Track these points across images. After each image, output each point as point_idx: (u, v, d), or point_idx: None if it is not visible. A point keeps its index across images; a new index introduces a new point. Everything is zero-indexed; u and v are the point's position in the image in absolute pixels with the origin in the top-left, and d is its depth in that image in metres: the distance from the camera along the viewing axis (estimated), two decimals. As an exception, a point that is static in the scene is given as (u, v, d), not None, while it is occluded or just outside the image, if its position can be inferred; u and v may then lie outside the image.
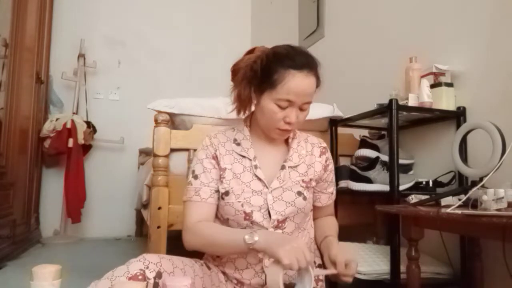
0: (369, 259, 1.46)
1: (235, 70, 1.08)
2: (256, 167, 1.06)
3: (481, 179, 1.22)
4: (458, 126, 1.53)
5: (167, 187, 1.65)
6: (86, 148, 3.41)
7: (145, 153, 3.15)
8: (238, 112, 1.12)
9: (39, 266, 0.74)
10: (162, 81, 3.78)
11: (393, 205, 1.38)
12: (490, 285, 1.39)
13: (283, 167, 1.07)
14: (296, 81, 0.96)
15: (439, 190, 1.49)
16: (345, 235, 1.49)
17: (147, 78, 3.78)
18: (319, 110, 1.84)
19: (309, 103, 1.01)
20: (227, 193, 1.04)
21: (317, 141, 1.16)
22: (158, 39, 3.87)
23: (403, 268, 1.34)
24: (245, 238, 0.90)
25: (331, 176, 1.17)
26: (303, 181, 1.08)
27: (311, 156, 1.12)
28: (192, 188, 1.06)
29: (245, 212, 1.02)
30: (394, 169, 1.44)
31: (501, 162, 1.17)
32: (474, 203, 1.11)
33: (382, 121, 1.76)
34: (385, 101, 1.53)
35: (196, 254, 1.10)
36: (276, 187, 1.05)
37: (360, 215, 1.84)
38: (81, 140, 3.19)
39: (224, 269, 1.06)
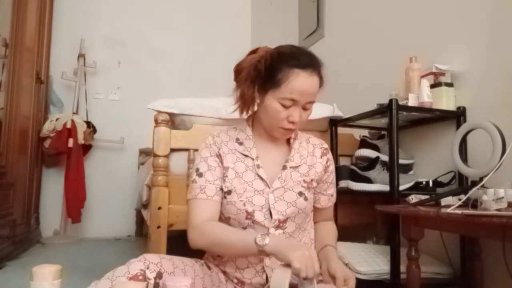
0: (369, 259, 1.47)
1: (238, 70, 1.08)
2: (258, 166, 1.06)
3: (481, 179, 1.22)
4: (458, 126, 1.53)
5: (167, 187, 1.65)
6: (86, 148, 3.41)
7: (145, 153, 3.15)
8: (241, 112, 1.12)
9: (39, 266, 0.74)
10: (162, 81, 3.78)
11: (393, 205, 1.38)
12: (490, 285, 1.39)
13: (284, 167, 1.08)
14: (300, 80, 0.97)
15: (439, 190, 1.49)
16: (345, 235, 1.50)
17: (147, 78, 3.78)
18: (319, 110, 1.84)
19: (312, 102, 1.02)
20: (229, 192, 1.04)
21: (318, 142, 1.16)
22: (158, 39, 3.87)
23: (403, 268, 1.34)
24: (256, 239, 0.89)
25: (331, 177, 1.17)
26: (304, 181, 1.08)
27: (312, 157, 1.12)
28: (197, 185, 1.05)
29: (247, 211, 1.02)
30: (394, 169, 1.44)
31: (501, 162, 1.17)
32: (474, 203, 1.11)
33: (382, 121, 1.76)
34: (385, 101, 1.53)
35: (196, 254, 1.10)
36: (278, 187, 1.05)
37: (360, 215, 1.85)
38: (81, 140, 3.19)
39: (225, 268, 1.06)
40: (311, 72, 0.99)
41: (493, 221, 0.93)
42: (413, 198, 1.35)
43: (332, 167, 1.17)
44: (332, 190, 1.19)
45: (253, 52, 1.09)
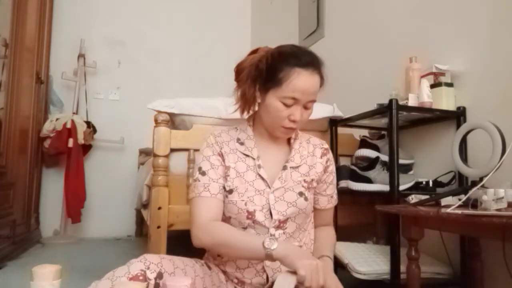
0: (369, 259, 1.47)
1: (239, 70, 1.09)
2: (259, 166, 1.07)
3: (481, 179, 1.22)
4: (458, 126, 1.53)
5: (167, 187, 1.65)
6: (86, 148, 3.41)
7: (145, 153, 3.15)
8: (242, 112, 1.12)
9: (39, 266, 0.74)
10: (162, 81, 3.78)
11: (393, 205, 1.38)
12: (490, 285, 1.39)
13: (284, 168, 1.08)
14: (301, 79, 0.98)
15: (439, 190, 1.49)
16: (345, 235, 1.50)
17: (147, 78, 3.78)
18: (319, 110, 1.84)
19: (313, 101, 1.02)
20: (231, 191, 1.05)
21: (319, 142, 1.16)
22: (158, 39, 3.87)
23: (403, 268, 1.34)
24: (264, 243, 0.88)
25: (331, 178, 1.16)
26: (304, 181, 1.08)
27: (312, 157, 1.12)
28: (200, 184, 1.04)
29: (248, 211, 1.02)
30: (394, 169, 1.44)
31: (501, 162, 1.17)
32: (474, 203, 1.11)
33: (382, 121, 1.76)
34: (385, 101, 1.53)
35: (196, 254, 1.10)
36: (278, 187, 1.05)
37: (360, 215, 1.85)
38: (81, 140, 3.19)
39: (225, 268, 1.06)
40: (312, 71, 0.99)
41: (493, 221, 0.93)
42: (413, 198, 1.35)
43: (332, 168, 1.16)
44: (332, 191, 1.18)
45: (254, 52, 1.10)
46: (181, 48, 3.93)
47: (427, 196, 1.33)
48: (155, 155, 1.65)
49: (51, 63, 3.35)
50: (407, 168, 1.73)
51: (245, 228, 1.04)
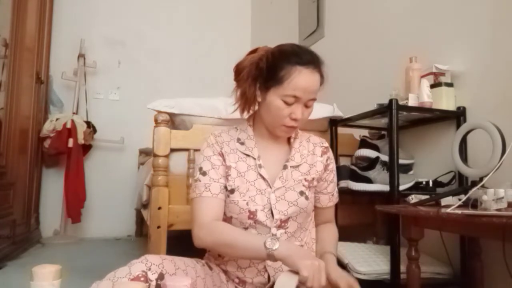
0: (369, 259, 1.47)
1: (239, 70, 1.09)
2: (260, 166, 1.07)
3: (481, 179, 1.22)
4: (458, 126, 1.53)
5: (167, 187, 1.65)
6: (86, 148, 3.41)
7: (145, 153, 3.15)
8: (242, 111, 1.12)
9: (39, 266, 0.74)
10: (162, 81, 3.78)
11: (393, 205, 1.38)
12: (490, 285, 1.39)
13: (285, 167, 1.08)
14: (302, 77, 0.98)
15: (439, 190, 1.49)
16: (345, 235, 1.50)
17: (147, 78, 3.78)
18: (319, 110, 1.84)
19: (314, 100, 1.03)
20: (232, 191, 1.05)
21: (319, 141, 1.16)
22: (158, 39, 3.87)
23: (403, 268, 1.34)
24: (266, 243, 0.88)
25: (331, 176, 1.17)
26: (305, 180, 1.08)
27: (313, 156, 1.12)
28: (201, 184, 1.05)
29: (249, 211, 1.02)
30: (394, 169, 1.44)
31: (501, 162, 1.17)
32: (474, 203, 1.11)
33: (382, 121, 1.76)
34: (385, 101, 1.53)
35: (196, 254, 1.10)
36: (279, 186, 1.05)
37: (360, 215, 1.85)
38: (81, 140, 3.19)
39: (226, 267, 1.06)
40: (313, 69, 1.00)
41: (493, 221, 0.93)
42: (413, 198, 1.35)
43: (332, 166, 1.16)
44: (333, 189, 1.18)
45: (253, 52, 1.10)
46: (181, 48, 3.93)
47: (427, 196, 1.33)
48: (155, 155, 1.65)
49: (51, 63, 3.35)
50: (407, 168, 1.73)
51: (246, 228, 1.04)
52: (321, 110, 1.87)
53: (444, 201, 1.24)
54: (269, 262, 1.02)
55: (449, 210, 1.06)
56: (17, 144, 2.62)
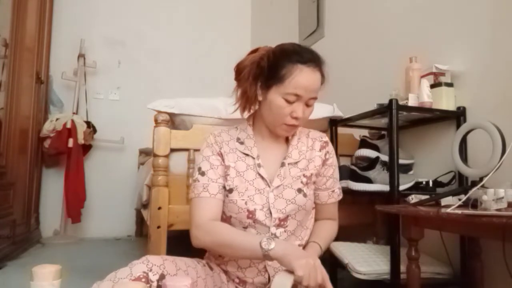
0: (369, 259, 1.46)
1: (239, 69, 1.09)
2: (259, 165, 1.07)
3: (481, 179, 1.22)
4: (458, 126, 1.53)
5: (167, 187, 1.65)
6: (86, 148, 3.41)
7: (145, 153, 3.15)
8: (243, 110, 1.12)
9: (39, 266, 0.74)
10: (162, 81, 3.78)
11: (393, 205, 1.38)
12: (490, 285, 1.39)
13: (282, 164, 1.08)
14: (303, 76, 0.99)
15: (439, 190, 1.49)
16: (345, 235, 1.50)
17: (147, 78, 3.78)
18: (319, 110, 1.83)
19: (315, 98, 1.03)
20: (231, 190, 1.05)
21: (318, 136, 1.15)
22: (158, 39, 3.87)
23: (403, 268, 1.34)
24: (261, 243, 0.89)
25: (331, 171, 1.14)
26: (304, 175, 1.08)
27: (311, 151, 1.12)
28: (200, 184, 1.05)
29: (248, 210, 1.02)
30: (394, 169, 1.44)
31: (501, 162, 1.17)
32: (474, 203, 1.11)
33: (382, 121, 1.76)
34: (385, 101, 1.53)
35: (197, 254, 1.10)
36: (278, 185, 1.05)
37: (360, 215, 1.84)
38: (81, 140, 3.19)
39: (227, 267, 1.06)
40: (314, 68, 1.00)
41: (493, 221, 0.93)
42: (413, 198, 1.35)
43: (331, 161, 1.14)
44: (332, 185, 1.15)
45: (254, 51, 1.10)
46: (181, 48, 3.93)
47: (427, 196, 1.33)
48: (155, 155, 1.65)
49: (51, 63, 3.35)
50: (407, 168, 1.73)
51: (245, 228, 1.04)
52: (321, 110, 1.87)
53: (444, 201, 1.24)
54: (269, 262, 1.02)
55: (449, 210, 1.06)
56: (17, 144, 2.62)
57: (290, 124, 1.03)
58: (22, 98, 2.69)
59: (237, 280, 1.05)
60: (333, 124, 1.90)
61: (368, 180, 1.59)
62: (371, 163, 1.63)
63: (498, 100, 1.44)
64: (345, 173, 1.67)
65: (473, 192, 1.14)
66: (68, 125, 3.15)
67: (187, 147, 1.69)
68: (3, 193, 2.39)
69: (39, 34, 3.01)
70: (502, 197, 1.04)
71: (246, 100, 1.09)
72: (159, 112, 1.69)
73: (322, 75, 1.03)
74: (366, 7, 2.33)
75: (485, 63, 1.51)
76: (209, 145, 1.10)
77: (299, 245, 1.08)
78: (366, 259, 1.47)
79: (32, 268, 0.73)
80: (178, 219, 1.63)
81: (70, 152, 3.17)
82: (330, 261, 1.54)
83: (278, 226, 1.03)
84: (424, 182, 1.53)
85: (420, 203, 1.30)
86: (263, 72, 1.04)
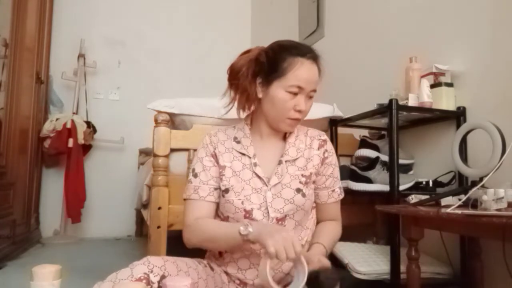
0: (369, 259, 1.46)
1: (235, 69, 1.09)
2: (255, 164, 1.06)
3: (481, 179, 1.22)
4: (458, 126, 1.53)
5: (167, 187, 1.65)
6: (86, 148, 3.41)
7: (145, 153, 3.15)
8: (243, 109, 1.13)
9: (39, 266, 0.74)
10: (162, 81, 3.78)
11: (393, 205, 1.38)
12: (490, 285, 1.39)
13: (280, 162, 1.07)
14: (305, 68, 1.01)
15: (439, 190, 1.49)
16: (345, 235, 1.49)
17: (147, 78, 3.78)
18: (319, 110, 1.84)
19: (315, 91, 1.05)
20: (227, 190, 1.05)
21: (316, 134, 1.15)
22: (158, 39, 3.86)
23: (403, 268, 1.34)
24: (240, 229, 0.91)
25: (330, 170, 1.13)
26: (302, 175, 1.07)
27: (310, 150, 1.11)
28: (191, 186, 1.08)
29: (245, 210, 1.02)
30: (394, 169, 1.44)
31: (501, 162, 1.17)
32: (474, 203, 1.11)
33: (382, 121, 1.76)
34: (385, 101, 1.53)
35: (197, 254, 1.10)
36: (275, 183, 1.04)
37: (360, 215, 1.84)
38: (81, 140, 3.19)
39: (227, 269, 1.06)
40: (313, 61, 1.03)
41: (493, 221, 0.93)
42: (413, 198, 1.35)
43: (331, 159, 1.13)
44: (332, 184, 1.14)
45: (246, 52, 1.11)
46: (181, 48, 3.92)
47: (427, 196, 1.33)
48: (155, 155, 1.65)
49: (51, 63, 3.35)
50: (407, 168, 1.73)
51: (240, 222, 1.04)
52: (321, 110, 1.86)
53: (444, 201, 1.24)
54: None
55: (449, 210, 1.06)
56: (17, 144, 2.62)
57: (293, 118, 1.04)
58: (22, 98, 2.69)
59: (237, 281, 1.05)
60: (333, 124, 1.90)
61: (368, 180, 1.59)
62: (371, 163, 1.63)
63: (498, 100, 1.44)
64: (345, 173, 1.67)
65: (473, 192, 1.14)
66: (68, 125, 3.15)
67: (187, 147, 1.69)
68: (3, 193, 2.39)
69: (39, 34, 3.01)
70: (502, 197, 1.04)
71: (247, 98, 1.09)
72: (159, 112, 1.69)
73: (319, 69, 1.06)
74: (366, 7, 2.33)
75: (485, 63, 1.51)
76: (204, 146, 1.12)
77: None
78: (366, 259, 1.47)
79: (32, 268, 0.73)
80: (178, 219, 1.63)
81: (70, 152, 3.17)
82: (330, 261, 1.54)
83: None
84: (424, 182, 1.53)
85: (420, 203, 1.30)
86: (262, 68, 1.05)
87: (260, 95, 1.06)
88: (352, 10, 2.48)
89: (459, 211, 1.02)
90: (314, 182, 1.11)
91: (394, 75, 1.90)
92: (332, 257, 1.54)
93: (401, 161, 1.57)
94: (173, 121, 1.81)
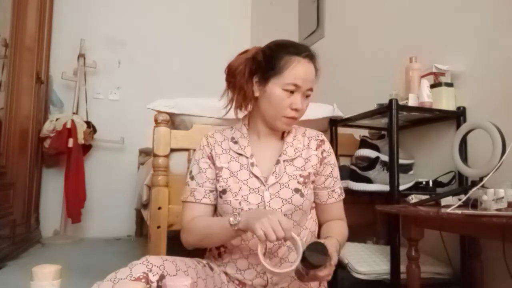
0: (369, 259, 1.47)
1: (233, 68, 1.09)
2: (252, 164, 1.06)
3: (481, 179, 1.22)
4: (458, 126, 1.53)
5: (167, 187, 1.65)
6: (86, 148, 3.41)
7: (145, 153, 3.14)
8: (240, 109, 1.13)
9: (39, 266, 0.74)
10: (162, 81, 3.78)
11: (393, 205, 1.38)
12: (490, 285, 1.39)
13: (277, 162, 1.07)
14: (301, 66, 1.02)
15: (439, 190, 1.49)
16: (345, 235, 1.49)
17: (147, 78, 3.78)
18: (319, 110, 1.83)
19: (311, 90, 1.05)
20: (224, 191, 1.05)
21: (314, 134, 1.15)
22: (158, 39, 3.87)
23: (403, 268, 1.34)
24: (229, 220, 0.91)
25: (329, 169, 1.12)
26: (300, 175, 1.07)
27: (308, 150, 1.11)
28: (188, 189, 1.10)
29: (243, 210, 1.02)
30: (394, 169, 1.44)
31: (501, 162, 1.17)
32: (474, 203, 1.11)
33: (382, 121, 1.76)
34: (385, 101, 1.53)
35: (197, 254, 1.10)
36: (273, 183, 1.04)
37: (360, 215, 1.84)
38: (81, 140, 3.19)
39: (226, 269, 1.06)
40: (310, 60, 1.04)
41: (493, 221, 0.93)
42: (413, 198, 1.35)
43: (329, 159, 1.12)
44: (332, 184, 1.13)
45: (244, 53, 1.12)
46: (181, 48, 3.93)
47: (427, 196, 1.33)
48: (155, 155, 1.65)
49: (51, 63, 3.35)
50: (407, 168, 1.73)
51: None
52: (321, 110, 1.86)
53: (444, 201, 1.24)
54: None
55: (449, 210, 1.06)
56: (17, 144, 2.62)
57: (290, 116, 1.04)
58: (22, 98, 2.69)
59: (236, 282, 1.05)
60: (333, 124, 1.89)
61: (368, 180, 1.59)
62: (371, 163, 1.63)
63: (498, 100, 1.44)
64: (345, 173, 1.67)
65: (473, 192, 1.14)
66: (68, 125, 3.15)
67: (187, 147, 1.69)
68: (3, 193, 2.39)
69: (39, 34, 3.01)
70: (502, 197, 1.05)
71: (243, 97, 1.09)
72: (159, 112, 1.69)
73: (316, 68, 1.06)
74: (366, 7, 2.33)
75: (485, 63, 1.51)
76: (200, 147, 1.12)
77: None
78: (366, 259, 1.47)
79: (32, 268, 0.73)
80: (178, 219, 1.62)
81: (70, 152, 3.17)
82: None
83: None
84: (424, 182, 1.53)
85: (420, 203, 1.30)
86: (260, 66, 1.05)
87: (257, 94, 1.06)
88: (352, 10, 2.48)
89: (459, 211, 1.02)
90: (313, 182, 1.11)
91: (394, 75, 1.90)
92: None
93: (401, 161, 1.57)
94: (173, 121, 1.80)
